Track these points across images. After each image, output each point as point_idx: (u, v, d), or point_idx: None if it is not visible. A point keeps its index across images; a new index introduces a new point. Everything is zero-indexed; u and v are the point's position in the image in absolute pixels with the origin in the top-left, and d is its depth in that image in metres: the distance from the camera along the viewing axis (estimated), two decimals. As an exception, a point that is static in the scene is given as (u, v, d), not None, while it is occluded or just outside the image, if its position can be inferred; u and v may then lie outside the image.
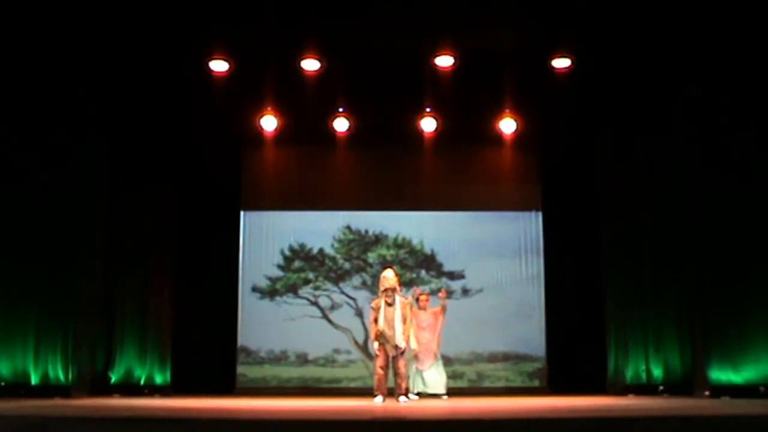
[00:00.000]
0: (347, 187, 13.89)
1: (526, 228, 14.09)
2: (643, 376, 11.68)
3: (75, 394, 10.43)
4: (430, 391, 10.76)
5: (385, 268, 10.10)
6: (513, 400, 10.15)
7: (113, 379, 12.12)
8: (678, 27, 10.55)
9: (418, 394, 10.66)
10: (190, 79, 11.93)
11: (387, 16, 10.75)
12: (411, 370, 10.59)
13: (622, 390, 11.66)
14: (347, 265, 14.06)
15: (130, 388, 11.91)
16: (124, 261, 12.47)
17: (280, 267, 14.01)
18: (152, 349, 12.32)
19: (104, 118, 11.48)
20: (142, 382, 12.15)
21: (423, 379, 10.80)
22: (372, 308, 9.72)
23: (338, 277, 14.00)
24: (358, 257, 14.09)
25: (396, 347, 9.38)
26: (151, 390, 11.99)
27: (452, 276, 13.99)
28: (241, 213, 14.08)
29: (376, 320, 9.48)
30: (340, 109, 13.07)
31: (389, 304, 9.46)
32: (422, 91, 12.41)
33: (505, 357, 13.60)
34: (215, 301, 13.53)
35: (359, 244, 14.13)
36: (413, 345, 9.91)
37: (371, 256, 14.06)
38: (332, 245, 14.09)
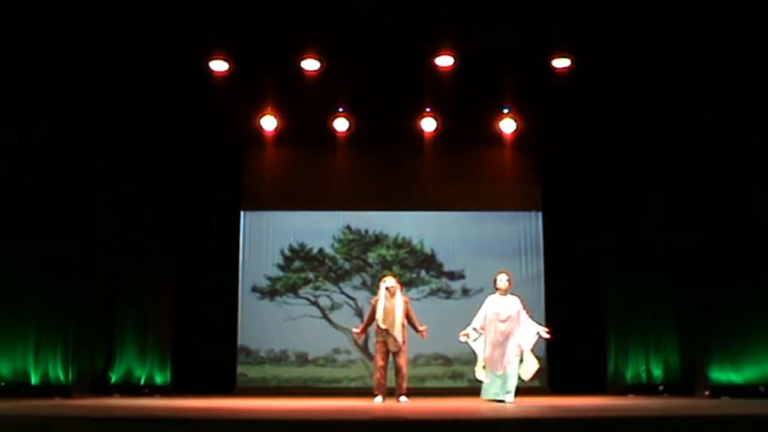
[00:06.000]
0: (347, 187, 13.86)
1: (526, 228, 14.08)
2: (643, 376, 11.68)
3: (75, 394, 10.43)
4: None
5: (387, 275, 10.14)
6: (513, 400, 10.11)
7: (113, 379, 12.11)
8: (678, 27, 10.54)
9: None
10: (190, 79, 11.92)
11: (387, 16, 10.75)
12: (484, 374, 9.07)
13: (622, 390, 11.66)
14: (347, 265, 14.05)
15: (130, 388, 11.89)
16: (125, 261, 12.46)
17: (280, 267, 14.01)
18: (152, 349, 12.31)
19: (104, 119, 11.47)
20: (142, 382, 12.14)
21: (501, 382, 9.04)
22: (371, 303, 9.77)
23: (338, 277, 14.00)
24: (358, 257, 14.08)
25: (396, 340, 9.39)
26: (151, 390, 11.97)
27: (452, 276, 13.98)
28: (241, 213, 14.07)
29: (373, 314, 9.57)
30: (340, 109, 13.06)
31: (391, 295, 9.52)
32: (422, 91, 12.41)
33: (506, 357, 13.58)
34: (215, 301, 13.51)
35: (359, 244, 14.13)
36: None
37: (371, 256, 14.06)
38: (332, 245, 14.09)
